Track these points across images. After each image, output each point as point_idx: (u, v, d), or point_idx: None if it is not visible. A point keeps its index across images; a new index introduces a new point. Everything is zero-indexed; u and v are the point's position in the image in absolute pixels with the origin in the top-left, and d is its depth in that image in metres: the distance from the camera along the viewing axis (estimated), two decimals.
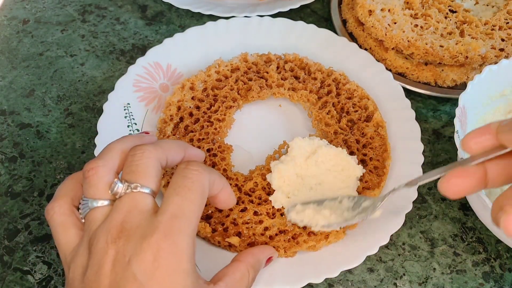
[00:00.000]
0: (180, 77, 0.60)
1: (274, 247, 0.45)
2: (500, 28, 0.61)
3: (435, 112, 0.61)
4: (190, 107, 0.56)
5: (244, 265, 0.39)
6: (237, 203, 0.49)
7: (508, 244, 0.47)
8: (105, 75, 0.64)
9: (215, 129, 0.54)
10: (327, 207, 0.46)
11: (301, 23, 0.63)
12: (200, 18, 0.71)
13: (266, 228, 0.47)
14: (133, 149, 0.35)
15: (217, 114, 0.55)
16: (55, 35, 0.69)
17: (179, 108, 0.56)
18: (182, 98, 0.56)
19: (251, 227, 0.47)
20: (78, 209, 0.36)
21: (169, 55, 0.61)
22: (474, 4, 0.65)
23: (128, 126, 0.55)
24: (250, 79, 0.58)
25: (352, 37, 0.66)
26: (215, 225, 0.47)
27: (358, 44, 0.64)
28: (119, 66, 0.65)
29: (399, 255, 0.50)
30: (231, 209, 0.48)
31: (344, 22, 0.68)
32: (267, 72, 0.58)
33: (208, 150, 0.53)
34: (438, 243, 0.51)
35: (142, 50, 0.67)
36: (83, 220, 0.35)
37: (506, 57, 0.57)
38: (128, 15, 0.71)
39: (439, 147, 0.57)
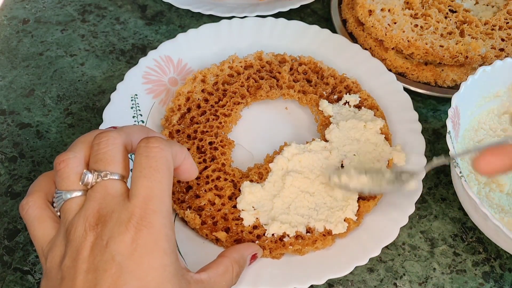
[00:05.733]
0: (190, 73, 0.61)
1: (260, 246, 0.45)
2: (500, 28, 0.61)
3: (435, 112, 0.61)
4: (198, 99, 0.56)
5: (228, 260, 0.40)
6: (230, 199, 0.49)
7: (507, 250, 0.47)
8: (105, 75, 0.64)
9: (220, 123, 0.54)
10: (368, 176, 0.47)
11: (315, 27, 0.63)
12: (200, 18, 0.71)
13: (255, 227, 0.47)
14: (97, 137, 0.35)
15: (224, 109, 0.55)
16: (55, 35, 0.69)
17: (188, 99, 0.56)
18: (193, 89, 0.57)
19: (241, 224, 0.47)
20: (52, 204, 0.36)
21: (181, 50, 0.61)
22: (474, 4, 0.65)
23: (133, 116, 0.56)
24: (262, 78, 0.58)
25: (352, 37, 0.66)
26: (205, 218, 0.48)
27: (358, 44, 0.64)
28: (119, 66, 0.65)
29: (399, 255, 0.50)
30: (223, 204, 0.48)
31: (344, 22, 0.68)
32: (279, 73, 0.58)
33: (210, 143, 0.53)
34: (438, 243, 0.51)
35: (142, 50, 0.67)
36: (58, 213, 0.35)
37: (506, 57, 0.57)
38: (128, 15, 0.71)
39: (439, 147, 0.57)
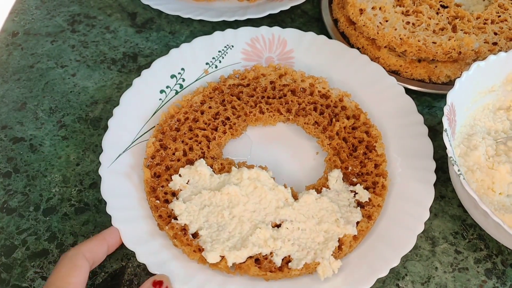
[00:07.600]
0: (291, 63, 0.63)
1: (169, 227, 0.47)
2: (492, 22, 0.60)
3: (430, 109, 0.61)
4: (241, 92, 0.59)
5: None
6: (188, 163, 0.52)
7: (509, 246, 0.46)
8: (97, 85, 0.64)
9: (250, 112, 0.56)
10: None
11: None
12: (190, 24, 0.70)
13: (173, 193, 0.50)
14: None
15: (266, 105, 0.57)
16: (45, 46, 0.68)
17: (247, 84, 0.59)
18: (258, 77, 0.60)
19: (168, 182, 0.50)
20: None
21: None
22: None
23: (206, 63, 0.62)
24: (322, 113, 0.57)
25: (344, 37, 0.66)
26: (158, 154, 0.52)
27: (350, 44, 0.64)
28: (111, 75, 0.65)
29: None
30: (178, 159, 0.52)
31: (335, 21, 0.68)
32: (338, 120, 0.56)
33: (227, 118, 0.56)
34: (439, 241, 0.50)
35: (133, 58, 0.66)
36: None
37: (500, 51, 0.57)
38: (117, 23, 0.71)
39: (436, 144, 0.57)
